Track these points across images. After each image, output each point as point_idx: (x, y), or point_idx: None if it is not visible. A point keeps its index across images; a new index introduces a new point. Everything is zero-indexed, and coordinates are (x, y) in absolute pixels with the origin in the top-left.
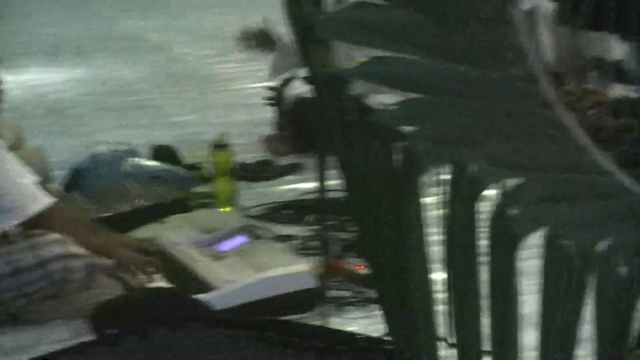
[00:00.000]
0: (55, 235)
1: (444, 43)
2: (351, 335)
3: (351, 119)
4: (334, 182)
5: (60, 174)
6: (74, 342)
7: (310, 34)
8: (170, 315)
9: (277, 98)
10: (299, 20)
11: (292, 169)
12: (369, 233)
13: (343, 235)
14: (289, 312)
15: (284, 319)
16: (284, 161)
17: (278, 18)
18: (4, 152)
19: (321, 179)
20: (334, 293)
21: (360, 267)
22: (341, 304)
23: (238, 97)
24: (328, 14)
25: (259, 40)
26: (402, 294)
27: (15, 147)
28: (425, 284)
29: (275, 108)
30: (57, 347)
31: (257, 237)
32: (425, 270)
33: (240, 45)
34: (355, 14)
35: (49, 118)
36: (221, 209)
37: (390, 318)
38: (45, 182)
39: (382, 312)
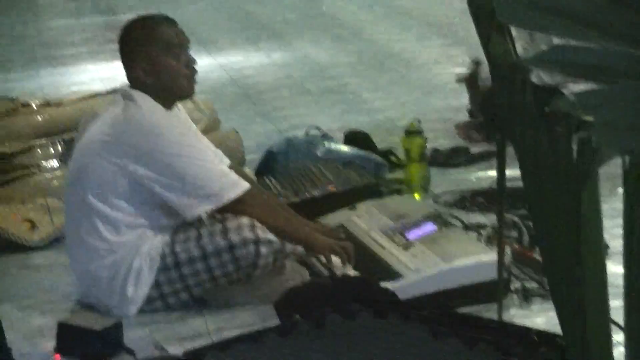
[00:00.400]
0: (245, 220)
1: (634, 28)
2: (524, 329)
3: (531, 107)
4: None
5: (253, 157)
6: (259, 327)
7: (491, 18)
8: (358, 302)
9: (469, 84)
10: (480, 6)
11: (485, 157)
12: (544, 223)
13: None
14: (475, 301)
15: (458, 311)
16: (477, 148)
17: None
18: (199, 136)
19: (501, 167)
20: (521, 284)
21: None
22: (528, 296)
23: (435, 82)
24: None
25: (470, 82)
26: (575, 287)
27: (211, 129)
28: (600, 278)
29: (468, 95)
30: (242, 332)
31: (446, 225)
32: (600, 264)
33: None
34: None
35: (246, 101)
36: (411, 196)
37: (562, 311)
38: (239, 165)
39: (554, 304)
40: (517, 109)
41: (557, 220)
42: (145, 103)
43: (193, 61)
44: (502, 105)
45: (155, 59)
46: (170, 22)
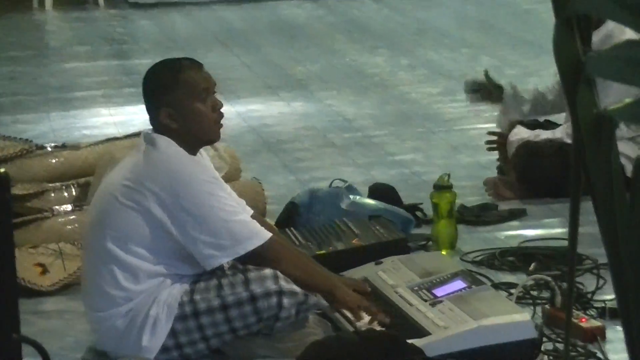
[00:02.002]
0: (268, 271)
1: None
2: None
3: (616, 164)
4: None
5: (275, 208)
6: None
7: (577, 71)
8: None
9: (500, 143)
10: (568, 59)
11: (515, 215)
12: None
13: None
14: None
15: None
16: (506, 206)
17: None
18: (222, 184)
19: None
20: (552, 345)
21: (584, 320)
22: (560, 357)
23: (462, 137)
24: (599, 52)
25: (483, 92)
26: None
27: (232, 178)
28: None
29: (498, 151)
30: None
31: (474, 283)
32: None
33: (467, 96)
34: (628, 52)
35: (266, 151)
36: (439, 252)
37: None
38: (260, 215)
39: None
40: (600, 164)
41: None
42: (169, 148)
43: (220, 105)
44: (584, 160)
45: (182, 103)
46: (196, 64)
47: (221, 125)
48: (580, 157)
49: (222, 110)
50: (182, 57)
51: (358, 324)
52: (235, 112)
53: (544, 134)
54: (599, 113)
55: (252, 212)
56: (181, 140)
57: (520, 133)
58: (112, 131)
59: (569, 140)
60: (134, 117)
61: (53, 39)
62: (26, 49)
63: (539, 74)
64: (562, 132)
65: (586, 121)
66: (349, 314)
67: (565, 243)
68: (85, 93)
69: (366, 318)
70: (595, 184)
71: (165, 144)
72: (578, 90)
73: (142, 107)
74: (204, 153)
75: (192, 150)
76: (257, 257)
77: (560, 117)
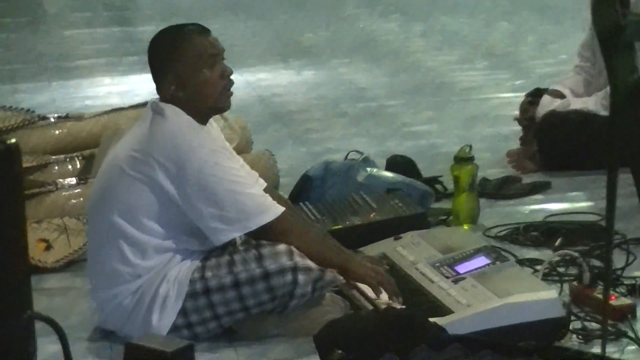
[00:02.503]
0: (282, 246)
1: None
2: None
3: None
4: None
5: (289, 181)
6: None
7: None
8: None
9: (526, 113)
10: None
11: (539, 188)
12: None
13: (595, 262)
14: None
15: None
16: (530, 179)
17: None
18: (233, 155)
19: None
20: (580, 324)
21: (613, 298)
22: (588, 337)
23: (481, 107)
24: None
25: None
26: None
27: (243, 150)
28: None
29: (521, 122)
30: None
31: (498, 259)
32: None
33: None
34: None
35: (276, 122)
36: (461, 227)
37: None
38: (273, 188)
39: None
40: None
41: None
42: (177, 117)
43: (229, 71)
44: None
45: (189, 70)
46: (203, 30)
47: (231, 93)
48: (617, 123)
49: (231, 77)
50: (189, 23)
51: (377, 301)
52: (243, 81)
53: (574, 103)
54: (639, 78)
55: (265, 185)
56: (189, 109)
57: (546, 102)
58: (116, 101)
59: (603, 112)
60: (138, 86)
61: (49, 4)
62: (21, 16)
63: (561, 42)
64: (596, 103)
65: (624, 86)
66: (366, 291)
67: (591, 217)
68: (86, 62)
69: (384, 295)
70: (634, 152)
71: (173, 113)
72: (617, 55)
73: (146, 76)
74: (214, 123)
75: (202, 119)
76: (270, 232)
77: None
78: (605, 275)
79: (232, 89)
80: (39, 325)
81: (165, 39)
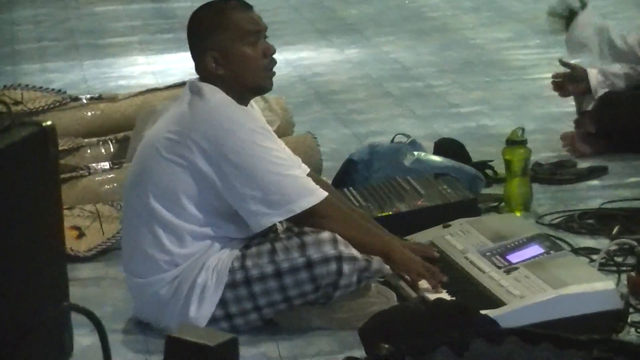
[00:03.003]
0: (326, 234)
1: None
2: None
3: None
4: None
5: (331, 165)
6: (340, 356)
7: None
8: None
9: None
10: None
11: (595, 173)
12: None
13: None
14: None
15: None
16: (585, 163)
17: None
18: (274, 137)
19: None
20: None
21: None
22: None
23: (533, 87)
24: None
25: (567, 20)
26: None
27: (285, 132)
28: None
29: (575, 102)
30: None
31: (553, 249)
32: None
33: (550, 27)
34: None
35: (317, 102)
36: (513, 214)
37: None
38: (316, 173)
39: None
40: None
41: None
42: (217, 97)
43: (272, 50)
44: None
45: (229, 46)
46: (245, 6)
47: (273, 73)
48: None
49: (274, 57)
50: None
51: (425, 293)
52: (283, 59)
53: (623, 68)
54: None
55: (308, 170)
56: (229, 88)
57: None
58: (151, 81)
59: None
60: (173, 66)
61: None
62: None
63: (614, 17)
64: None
65: None
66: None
67: None
68: (119, 39)
69: (436, 288)
70: None
71: (212, 92)
72: None
73: (182, 55)
74: (255, 105)
75: (242, 100)
76: (314, 217)
77: None
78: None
79: (274, 69)
80: (72, 317)
81: (206, 13)
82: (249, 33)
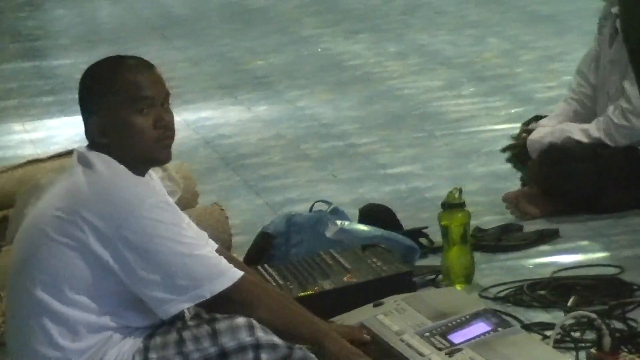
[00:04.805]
0: (241, 320)
1: None
2: None
3: None
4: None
5: (243, 240)
6: None
7: None
8: None
9: (518, 146)
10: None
11: (545, 237)
12: None
13: (617, 323)
14: None
15: None
16: (533, 226)
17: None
18: (177, 211)
19: None
20: None
21: None
22: None
23: (473, 142)
24: None
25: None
26: None
27: (187, 204)
28: None
29: (518, 158)
30: None
31: (501, 325)
32: None
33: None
34: None
35: (224, 169)
36: (454, 288)
37: None
38: (225, 249)
39: None
40: None
41: None
42: (109, 167)
43: (164, 120)
44: None
45: (114, 113)
46: (143, 65)
47: (167, 145)
48: None
49: (172, 126)
50: (129, 55)
51: None
52: (182, 121)
53: (572, 130)
54: None
55: (217, 246)
56: (121, 158)
57: (542, 131)
58: (31, 151)
59: (607, 140)
60: (56, 132)
61: None
62: None
63: (563, 58)
64: (598, 130)
65: None
66: None
67: (609, 270)
68: None
69: None
70: None
71: (104, 162)
72: None
73: (65, 120)
74: (154, 174)
75: (138, 170)
76: (226, 302)
77: None
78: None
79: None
80: None
81: (97, 71)
82: (140, 99)
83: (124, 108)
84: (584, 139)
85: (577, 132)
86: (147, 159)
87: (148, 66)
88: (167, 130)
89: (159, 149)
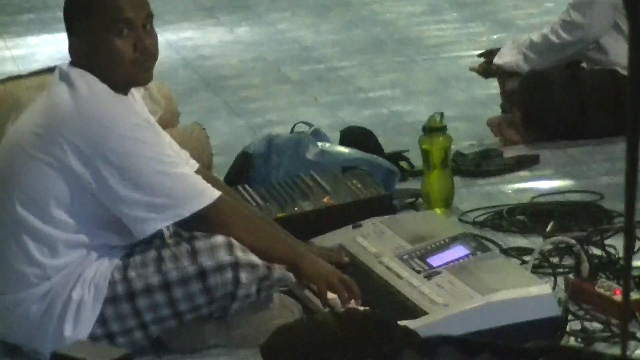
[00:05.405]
0: (220, 238)
1: None
2: None
3: None
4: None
5: (223, 160)
6: None
7: None
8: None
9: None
10: None
11: (524, 163)
12: None
13: (595, 250)
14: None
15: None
16: (513, 152)
17: None
18: (158, 130)
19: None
20: (580, 324)
21: (618, 293)
22: (589, 339)
23: (453, 67)
24: None
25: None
26: None
27: (168, 123)
28: None
29: (499, 84)
30: None
31: (479, 249)
32: None
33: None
34: None
35: (205, 90)
36: (433, 212)
37: None
38: (206, 169)
39: None
40: None
41: None
42: (90, 85)
43: (144, 43)
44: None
45: (94, 34)
46: None
47: (147, 68)
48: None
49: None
50: None
51: (335, 303)
52: (164, 40)
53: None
54: None
55: (197, 165)
56: (102, 76)
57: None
58: (12, 68)
59: (553, 37)
60: (37, 49)
61: None
62: None
63: None
64: (550, 29)
65: None
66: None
67: (588, 196)
68: None
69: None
70: None
71: (85, 80)
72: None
73: (46, 38)
74: (136, 94)
75: (119, 89)
76: (204, 222)
77: None
78: (625, 280)
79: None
80: None
81: None
82: (119, 21)
83: (104, 30)
84: (537, 39)
85: (534, 34)
86: (126, 81)
87: None
88: (146, 53)
89: (138, 72)
